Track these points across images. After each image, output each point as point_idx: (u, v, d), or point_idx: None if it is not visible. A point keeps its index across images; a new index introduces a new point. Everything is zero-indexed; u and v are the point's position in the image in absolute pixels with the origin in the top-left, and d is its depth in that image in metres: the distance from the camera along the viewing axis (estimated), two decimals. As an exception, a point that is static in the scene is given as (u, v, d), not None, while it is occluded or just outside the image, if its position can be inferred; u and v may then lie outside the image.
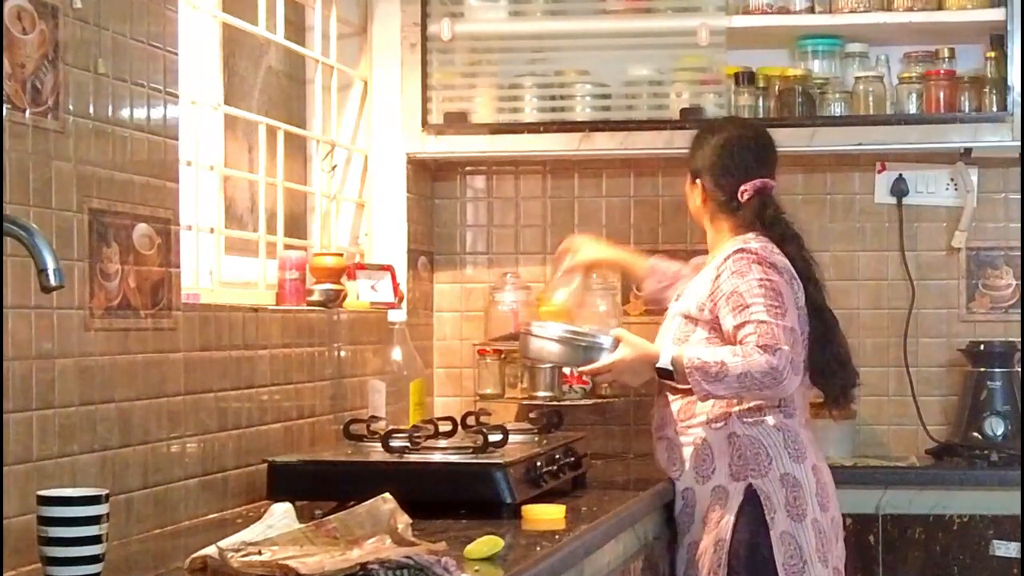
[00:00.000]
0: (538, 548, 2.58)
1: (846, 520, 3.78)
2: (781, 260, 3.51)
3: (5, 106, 2.33)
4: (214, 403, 3.04)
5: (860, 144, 4.23)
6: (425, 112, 4.30)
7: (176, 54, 2.89)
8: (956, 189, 4.46)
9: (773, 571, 3.43)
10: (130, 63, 2.71)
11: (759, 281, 3.44)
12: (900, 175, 4.47)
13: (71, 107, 2.53)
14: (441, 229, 4.61)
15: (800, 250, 3.58)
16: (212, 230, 3.39)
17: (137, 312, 2.73)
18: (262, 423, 3.26)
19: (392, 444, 3.09)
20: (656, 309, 4.43)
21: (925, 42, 4.36)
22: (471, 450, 3.08)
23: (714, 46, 4.24)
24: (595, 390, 4.31)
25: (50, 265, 2.13)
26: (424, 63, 4.29)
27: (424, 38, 4.29)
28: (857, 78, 4.32)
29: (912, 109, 4.28)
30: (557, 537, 2.71)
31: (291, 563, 2.19)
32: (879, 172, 4.50)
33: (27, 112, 2.40)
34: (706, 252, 3.72)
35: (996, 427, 4.24)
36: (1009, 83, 4.12)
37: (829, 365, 3.55)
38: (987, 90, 4.20)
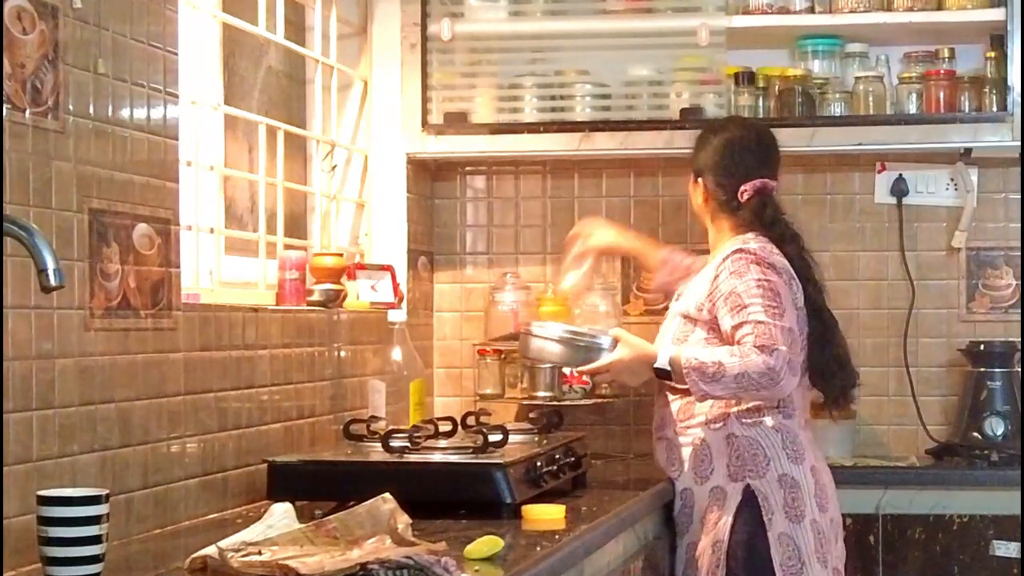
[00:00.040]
0: (538, 548, 2.58)
1: (846, 520, 3.78)
2: (780, 260, 3.51)
3: (5, 106, 2.33)
4: (214, 403, 3.04)
5: (860, 144, 4.23)
6: (425, 112, 4.30)
7: (176, 54, 2.89)
8: (956, 189, 4.46)
9: (771, 572, 3.42)
10: (130, 63, 2.71)
11: (757, 281, 3.44)
12: (900, 175, 4.47)
13: (71, 107, 2.53)
14: (441, 229, 4.61)
15: (799, 250, 3.58)
16: (212, 230, 3.39)
17: (137, 312, 2.73)
18: (262, 423, 3.26)
19: (392, 444, 3.09)
20: (656, 309, 4.44)
21: (925, 42, 4.36)
22: (471, 450, 3.08)
23: (714, 46, 4.24)
24: (595, 390, 4.31)
25: (50, 265, 2.13)
26: (424, 63, 4.29)
27: (424, 38, 4.29)
28: (857, 78, 4.32)
29: (912, 109, 4.28)
30: (557, 537, 2.71)
31: (291, 563, 2.19)
32: (879, 172, 4.50)
33: (27, 112, 2.40)
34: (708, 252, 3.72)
35: (996, 427, 4.24)
36: (1009, 83, 4.12)
37: (828, 366, 3.55)
38: (987, 90, 4.20)
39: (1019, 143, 4.11)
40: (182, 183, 2.94)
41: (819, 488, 3.51)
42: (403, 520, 2.45)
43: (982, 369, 4.30)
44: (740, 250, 3.50)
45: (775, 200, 3.64)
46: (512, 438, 3.25)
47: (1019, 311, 4.42)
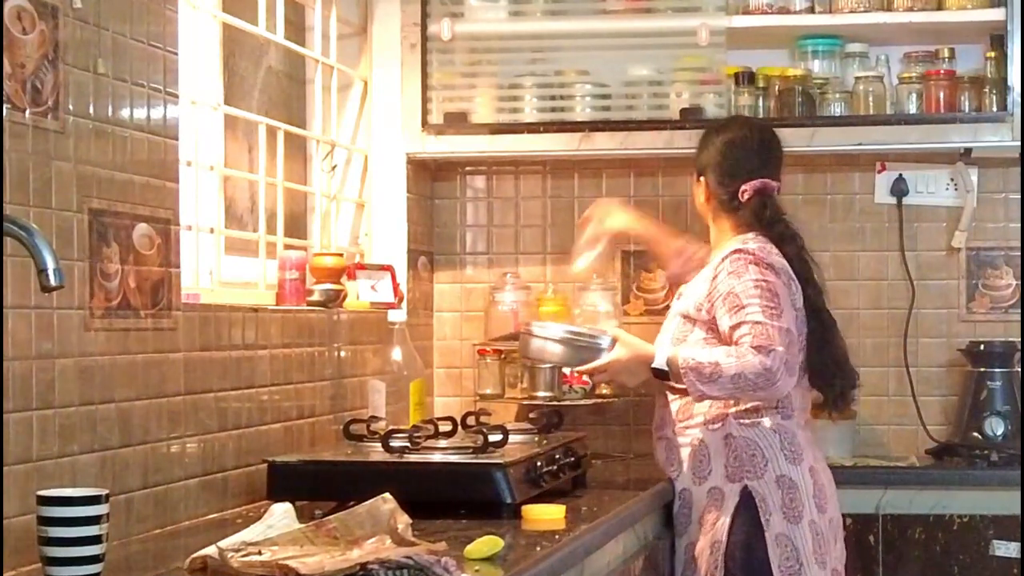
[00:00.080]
0: (538, 548, 2.58)
1: (846, 520, 3.78)
2: (779, 261, 3.51)
3: (5, 106, 2.33)
4: (214, 403, 3.04)
5: (860, 144, 4.23)
6: (425, 112, 4.30)
7: (176, 54, 2.89)
8: (956, 189, 4.46)
9: (769, 573, 3.42)
10: (130, 63, 2.71)
11: (755, 282, 3.44)
12: (900, 175, 4.47)
13: (71, 107, 2.53)
14: (441, 229, 4.61)
15: (799, 251, 3.58)
16: (212, 230, 3.39)
17: (137, 312, 2.73)
18: (262, 423, 3.26)
19: (392, 444, 3.09)
20: (656, 309, 4.45)
21: (925, 42, 4.36)
22: (471, 450, 3.08)
23: (714, 46, 4.24)
24: (595, 390, 4.30)
25: (50, 265, 2.13)
26: (424, 63, 4.29)
27: (424, 38, 4.29)
28: (857, 78, 4.32)
29: (912, 109, 4.28)
30: (557, 537, 2.71)
31: (291, 563, 2.19)
32: (879, 172, 4.50)
33: (27, 112, 2.40)
34: None
35: (996, 427, 4.24)
36: (1009, 83, 4.12)
37: (826, 367, 3.55)
38: (987, 90, 4.20)
39: (1019, 143, 4.11)
40: (182, 183, 2.94)
41: (818, 489, 3.50)
42: (403, 520, 2.45)
43: (982, 369, 4.30)
44: (739, 250, 3.50)
45: (775, 200, 3.64)
46: (512, 438, 3.25)
47: (1019, 311, 4.42)
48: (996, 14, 4.14)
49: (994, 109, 4.17)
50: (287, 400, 3.40)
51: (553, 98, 4.36)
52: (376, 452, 3.14)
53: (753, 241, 3.54)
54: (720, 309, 3.46)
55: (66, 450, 2.50)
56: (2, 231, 2.16)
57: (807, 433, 3.59)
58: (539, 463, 3.16)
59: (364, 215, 4.28)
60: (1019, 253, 4.42)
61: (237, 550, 2.29)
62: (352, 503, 2.60)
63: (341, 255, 3.86)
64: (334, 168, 4.14)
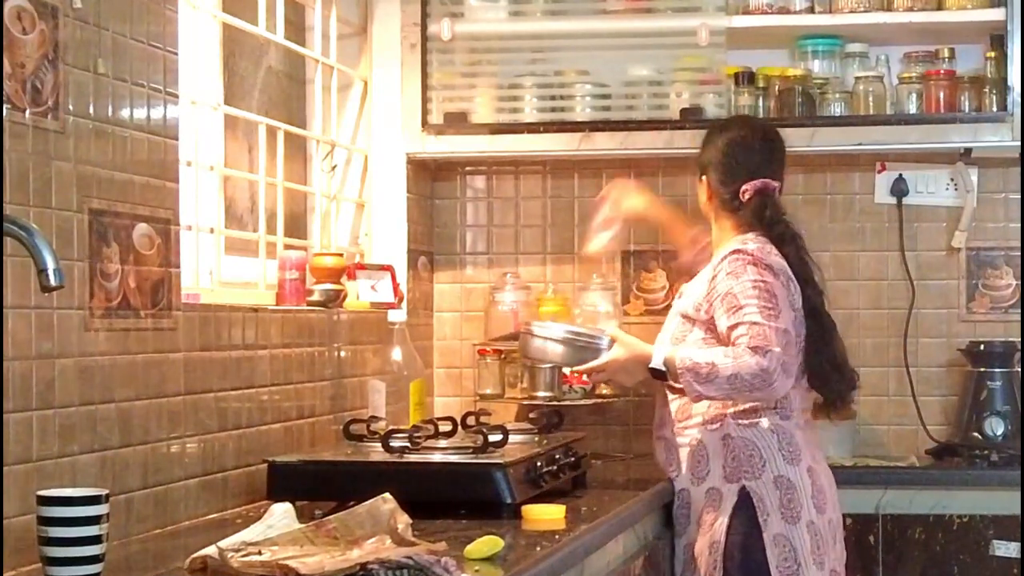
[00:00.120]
0: (538, 548, 2.58)
1: (846, 520, 3.77)
2: (778, 262, 3.50)
3: (5, 106, 2.33)
4: (214, 403, 3.04)
5: (860, 144, 4.23)
6: (425, 112, 4.30)
7: (176, 54, 2.89)
8: (956, 189, 4.46)
9: (767, 573, 3.42)
10: (130, 63, 2.71)
11: (753, 282, 3.44)
12: (900, 175, 4.47)
13: (71, 107, 2.53)
14: (441, 229, 4.61)
15: (799, 252, 3.56)
16: (212, 230, 3.39)
17: (137, 312, 2.73)
18: (262, 423, 3.26)
19: (392, 444, 3.09)
20: (656, 309, 4.45)
21: (925, 42, 4.36)
22: (471, 450, 3.08)
23: (714, 46, 4.24)
24: (595, 390, 4.30)
25: (50, 265, 2.13)
26: (424, 63, 4.29)
27: (424, 38, 4.29)
28: (857, 78, 4.32)
29: (912, 109, 4.28)
30: (557, 537, 2.71)
31: (291, 563, 2.19)
32: (879, 172, 4.50)
33: (27, 112, 2.40)
34: None
35: (996, 427, 4.24)
36: (1009, 83, 4.12)
37: (824, 369, 3.53)
38: (987, 90, 4.20)
39: (1019, 143, 4.11)
40: (182, 183, 2.94)
41: (816, 489, 3.50)
42: (403, 520, 2.45)
43: (982, 369, 4.30)
44: (738, 251, 3.50)
45: (776, 201, 3.64)
46: (512, 438, 3.25)
47: (1019, 311, 4.42)
48: (996, 14, 4.14)
49: (994, 109, 4.17)
50: (287, 400, 3.40)
51: (553, 98, 4.36)
52: (376, 452, 3.14)
53: (753, 241, 3.53)
54: (718, 309, 3.46)
55: (66, 450, 2.50)
56: (2, 231, 2.16)
57: (807, 434, 3.58)
58: (539, 463, 3.16)
59: (364, 215, 4.28)
60: (1019, 253, 4.42)
61: (237, 550, 2.29)
62: (352, 503, 2.60)
63: (341, 255, 3.86)
64: (334, 168, 4.14)
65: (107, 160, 2.64)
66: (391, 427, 3.31)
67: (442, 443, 3.19)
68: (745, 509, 3.47)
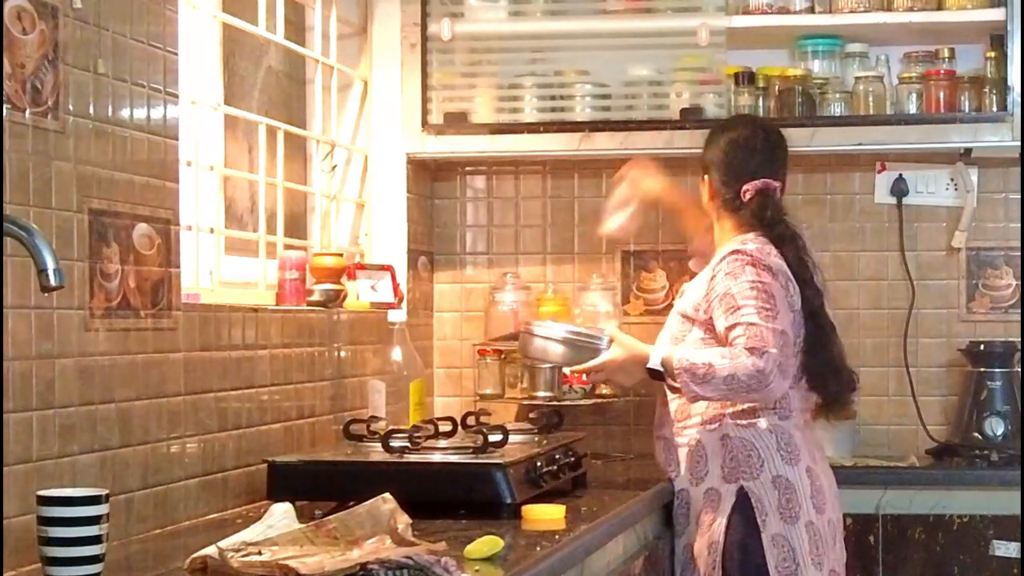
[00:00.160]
0: (538, 548, 2.58)
1: (846, 520, 3.77)
2: (777, 262, 3.49)
3: (5, 106, 2.33)
4: (214, 403, 3.04)
5: (860, 144, 4.23)
6: (425, 112, 4.30)
7: (176, 54, 2.89)
8: (956, 189, 4.46)
9: (766, 574, 3.42)
10: (130, 63, 2.71)
11: (751, 283, 3.43)
12: (900, 175, 4.47)
13: (71, 107, 2.53)
14: (441, 229, 4.61)
15: (798, 252, 3.54)
16: (212, 230, 3.39)
17: (137, 312, 2.73)
18: (262, 423, 3.26)
19: (392, 444, 3.09)
20: (656, 309, 4.45)
21: (925, 42, 4.36)
22: (471, 450, 3.08)
23: (714, 46, 4.24)
24: (595, 390, 4.30)
25: (50, 265, 2.13)
26: (424, 63, 4.29)
27: (424, 38, 4.29)
28: (857, 78, 4.32)
29: (912, 109, 4.28)
30: (557, 537, 2.71)
31: (291, 563, 2.19)
32: (879, 172, 4.50)
33: (27, 112, 2.40)
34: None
35: (996, 427, 4.24)
36: (1009, 83, 4.12)
37: (820, 371, 3.51)
38: (987, 90, 4.20)
39: (1019, 143, 4.11)
40: (182, 183, 2.94)
41: (815, 490, 3.49)
42: (403, 520, 2.45)
43: (982, 369, 4.30)
44: (737, 251, 3.49)
45: (777, 201, 3.63)
46: (512, 438, 3.25)
47: (1019, 311, 4.42)
48: (996, 14, 4.14)
49: (994, 109, 4.17)
50: (287, 400, 3.40)
51: (553, 98, 4.36)
52: (376, 452, 3.14)
53: (752, 242, 3.53)
54: (717, 310, 3.46)
55: (66, 450, 2.50)
56: (2, 231, 2.16)
57: (807, 434, 3.58)
58: (539, 463, 3.16)
59: (364, 215, 4.28)
60: (1019, 253, 4.42)
61: (237, 550, 2.29)
62: (352, 503, 2.60)
63: (341, 255, 3.86)
64: (334, 168, 4.14)
65: (107, 160, 2.64)
66: (391, 427, 3.31)
67: (442, 443, 3.19)
68: (743, 509, 3.47)
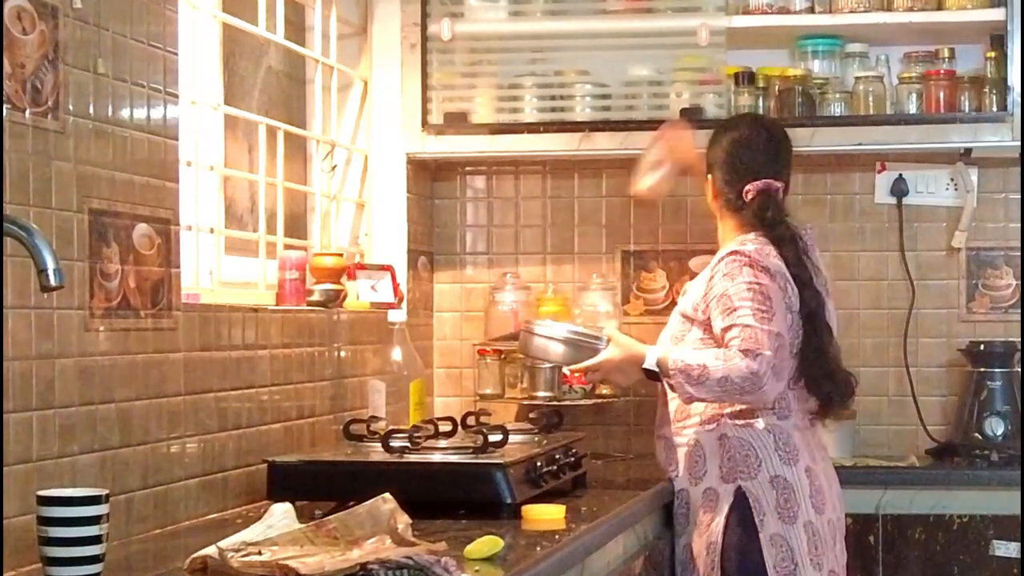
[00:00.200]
0: (538, 548, 2.58)
1: (846, 520, 3.77)
2: (775, 263, 3.48)
3: (5, 106, 2.33)
4: (214, 403, 3.04)
5: (860, 144, 4.23)
6: (425, 112, 4.30)
7: (176, 54, 2.89)
8: (956, 189, 4.46)
9: (764, 574, 3.41)
10: (130, 63, 2.71)
11: (748, 284, 3.43)
12: (900, 175, 4.47)
13: (71, 107, 2.53)
14: (441, 229, 4.61)
15: (798, 253, 3.53)
16: (212, 230, 3.39)
17: (137, 312, 2.73)
18: (262, 423, 3.26)
19: (392, 444, 3.09)
20: (656, 309, 4.45)
21: (925, 42, 4.36)
22: (471, 450, 3.08)
23: (714, 46, 4.24)
24: (595, 390, 4.31)
25: (50, 265, 2.13)
26: (424, 63, 4.29)
27: (424, 38, 4.29)
28: (857, 78, 4.32)
29: (912, 109, 4.28)
30: (557, 537, 2.71)
31: (291, 563, 2.19)
32: (879, 172, 4.50)
33: (27, 112, 2.40)
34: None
35: (996, 427, 4.24)
36: (1009, 83, 4.12)
37: (815, 375, 3.49)
38: (987, 90, 4.19)
39: (1019, 143, 4.11)
40: (182, 183, 2.94)
41: (815, 490, 3.49)
42: (403, 520, 2.45)
43: (982, 369, 4.30)
44: (735, 252, 3.49)
45: (779, 201, 3.61)
46: (512, 438, 3.25)
47: (1019, 311, 4.42)
48: (996, 14, 4.14)
49: (994, 109, 4.17)
50: (287, 400, 3.40)
51: (553, 98, 4.36)
52: (376, 452, 3.14)
53: (752, 243, 3.52)
54: (714, 311, 3.45)
55: (66, 450, 2.50)
56: (2, 231, 2.16)
57: (807, 434, 3.57)
58: (539, 463, 3.16)
59: (364, 215, 4.28)
60: (1019, 253, 4.42)
61: (237, 550, 2.29)
62: (352, 503, 2.60)
63: (341, 255, 3.86)
64: (334, 168, 4.14)
65: (107, 160, 2.64)
66: (391, 427, 3.31)
67: (442, 443, 3.19)
68: (741, 509, 3.47)
